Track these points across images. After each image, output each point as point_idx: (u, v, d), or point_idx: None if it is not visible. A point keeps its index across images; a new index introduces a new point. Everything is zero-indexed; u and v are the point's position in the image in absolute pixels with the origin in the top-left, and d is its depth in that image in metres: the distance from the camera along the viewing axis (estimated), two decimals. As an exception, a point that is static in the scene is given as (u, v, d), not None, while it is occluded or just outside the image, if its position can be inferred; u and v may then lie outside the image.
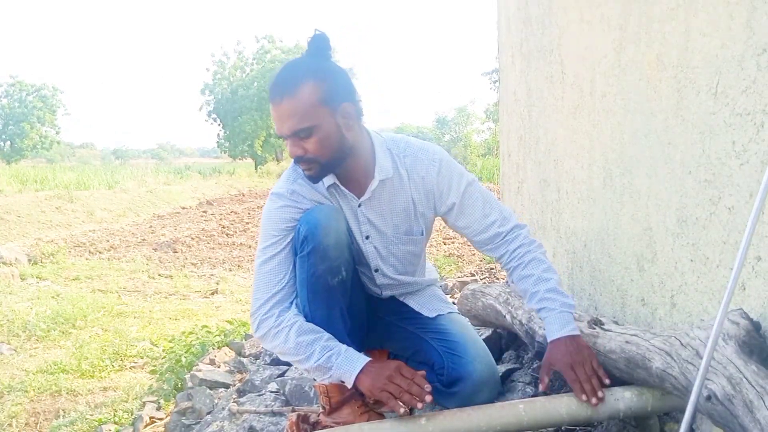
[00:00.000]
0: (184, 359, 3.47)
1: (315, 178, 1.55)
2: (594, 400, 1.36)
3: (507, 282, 2.17)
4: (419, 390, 1.40)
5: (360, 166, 1.59)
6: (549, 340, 1.52)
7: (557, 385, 1.81)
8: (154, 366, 3.92)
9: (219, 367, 3.19)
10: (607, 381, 1.40)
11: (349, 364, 1.48)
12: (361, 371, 1.47)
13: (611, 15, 1.75)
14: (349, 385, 1.49)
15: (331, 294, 1.54)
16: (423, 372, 1.47)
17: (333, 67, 1.49)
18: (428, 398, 1.38)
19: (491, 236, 1.66)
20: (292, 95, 1.42)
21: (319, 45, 1.48)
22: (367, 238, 1.68)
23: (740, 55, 1.19)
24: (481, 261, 6.42)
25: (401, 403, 1.38)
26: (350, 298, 1.60)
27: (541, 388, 1.47)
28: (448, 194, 1.65)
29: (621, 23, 1.69)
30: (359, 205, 1.64)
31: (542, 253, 1.66)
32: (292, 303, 1.58)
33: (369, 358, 1.50)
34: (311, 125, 1.44)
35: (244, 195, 19.55)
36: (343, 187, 1.61)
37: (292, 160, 1.53)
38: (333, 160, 1.51)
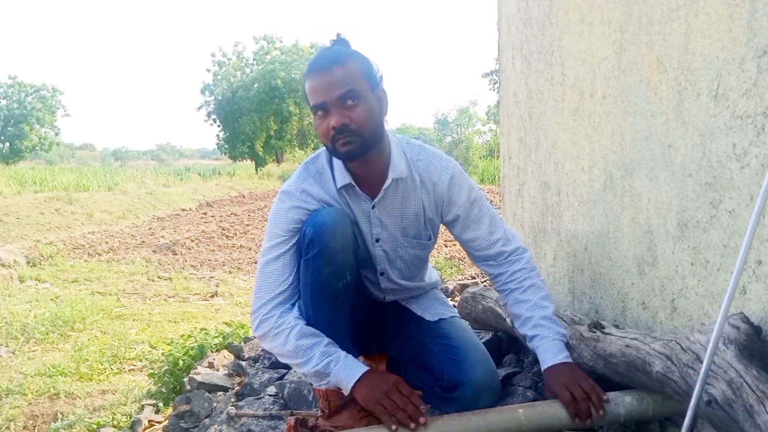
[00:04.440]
0: (182, 362, 3.46)
1: (354, 154, 1.49)
2: (588, 421, 1.34)
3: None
4: (414, 410, 1.38)
5: (379, 163, 1.58)
6: (543, 369, 1.52)
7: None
8: (152, 369, 3.91)
9: (218, 371, 3.18)
10: (605, 397, 1.38)
11: (347, 372, 1.47)
12: (358, 381, 1.45)
13: (612, 16, 1.75)
14: (346, 393, 1.48)
15: (335, 298, 1.53)
16: (420, 392, 1.46)
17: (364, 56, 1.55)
18: (422, 420, 1.36)
19: (494, 254, 1.68)
20: (342, 64, 1.45)
21: (342, 41, 1.56)
22: (377, 241, 1.67)
23: (741, 57, 1.19)
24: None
25: (395, 419, 1.36)
26: (353, 302, 1.59)
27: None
28: (456, 204, 1.66)
29: (621, 25, 1.68)
30: (373, 207, 1.63)
31: (541, 281, 1.68)
32: (294, 305, 1.57)
33: (368, 368, 1.49)
34: (359, 91, 1.45)
35: (244, 197, 19.55)
36: (357, 188, 1.60)
37: (327, 139, 1.47)
38: (372, 137, 1.50)
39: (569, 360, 1.51)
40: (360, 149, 1.48)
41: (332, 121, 1.44)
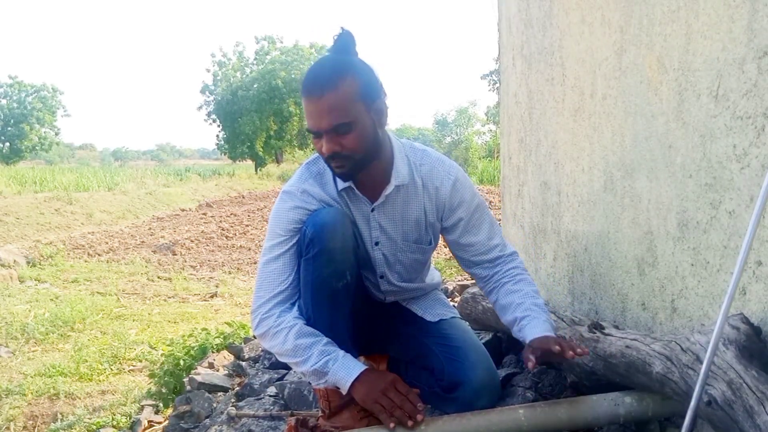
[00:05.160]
0: (182, 362, 3.46)
1: (347, 176, 1.53)
2: (579, 350, 1.36)
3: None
4: (412, 408, 1.38)
5: (379, 169, 1.58)
6: (530, 338, 1.49)
7: (557, 389, 1.81)
8: (152, 369, 3.91)
9: (218, 371, 3.18)
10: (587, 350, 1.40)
11: (345, 370, 1.47)
12: (356, 379, 1.46)
13: (612, 17, 1.75)
14: (344, 392, 1.48)
15: (335, 298, 1.53)
16: (417, 390, 1.46)
17: (364, 63, 1.50)
18: (419, 417, 1.36)
19: (492, 258, 1.69)
20: (333, 90, 1.40)
21: (346, 42, 1.48)
22: (376, 244, 1.67)
23: (741, 57, 1.19)
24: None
25: (393, 418, 1.37)
26: (353, 302, 1.60)
27: (529, 366, 1.41)
28: (458, 209, 1.66)
29: (622, 25, 1.69)
30: (372, 210, 1.63)
31: (532, 279, 1.70)
32: (294, 304, 1.57)
33: (366, 366, 1.50)
34: (351, 120, 1.43)
35: (243, 197, 19.54)
36: (357, 191, 1.60)
37: (322, 157, 1.51)
38: (366, 156, 1.50)
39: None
40: (353, 171, 1.51)
41: (324, 147, 1.46)
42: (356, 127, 1.44)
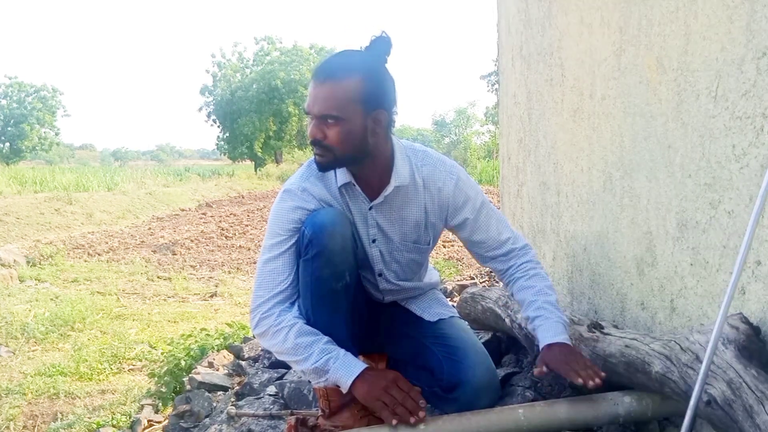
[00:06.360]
0: (182, 362, 3.46)
1: (323, 167, 1.54)
2: (591, 383, 1.36)
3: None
4: (414, 405, 1.40)
5: (377, 169, 1.59)
6: (543, 344, 1.53)
7: (556, 389, 1.81)
8: (152, 369, 3.92)
9: (218, 370, 3.18)
10: (602, 374, 1.40)
11: (346, 369, 1.47)
12: (357, 377, 1.46)
13: (611, 18, 1.75)
14: (345, 390, 1.49)
15: (335, 299, 1.53)
16: (419, 388, 1.47)
17: (385, 72, 1.51)
18: (422, 414, 1.38)
19: (505, 252, 1.71)
20: (336, 81, 1.44)
21: (381, 47, 1.50)
22: (373, 241, 1.68)
23: (740, 58, 1.19)
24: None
25: (395, 415, 1.38)
26: (353, 303, 1.60)
27: (535, 372, 1.47)
28: (463, 208, 1.67)
29: (621, 26, 1.69)
30: (370, 208, 1.63)
31: (546, 273, 1.71)
32: (293, 304, 1.57)
33: (367, 365, 1.50)
34: (341, 116, 1.45)
35: (243, 197, 19.53)
36: (357, 187, 1.60)
37: (309, 142, 1.54)
38: (348, 156, 1.51)
39: (569, 342, 1.53)
40: (330, 164, 1.53)
41: (309, 131, 1.50)
42: (343, 124, 1.46)
